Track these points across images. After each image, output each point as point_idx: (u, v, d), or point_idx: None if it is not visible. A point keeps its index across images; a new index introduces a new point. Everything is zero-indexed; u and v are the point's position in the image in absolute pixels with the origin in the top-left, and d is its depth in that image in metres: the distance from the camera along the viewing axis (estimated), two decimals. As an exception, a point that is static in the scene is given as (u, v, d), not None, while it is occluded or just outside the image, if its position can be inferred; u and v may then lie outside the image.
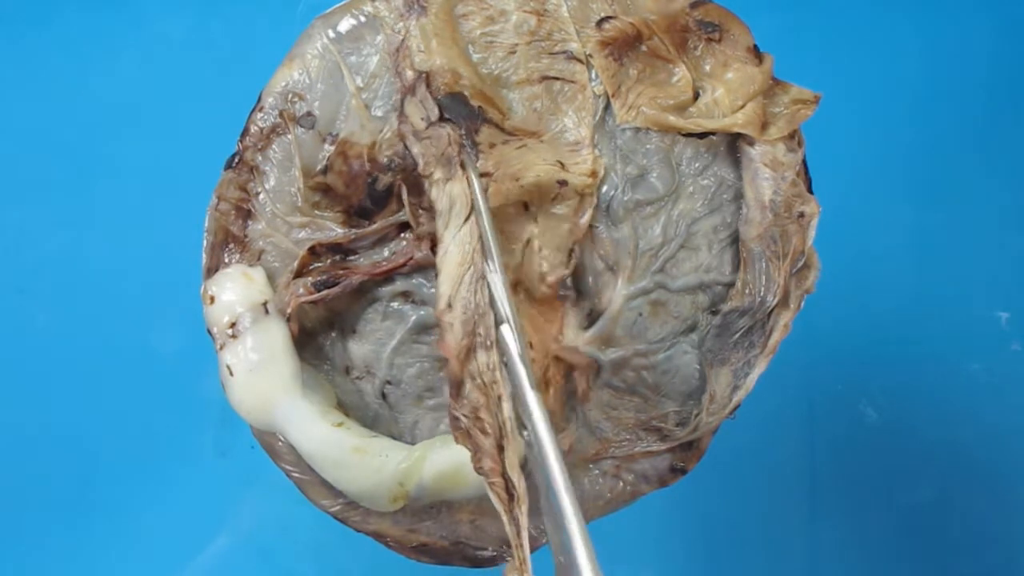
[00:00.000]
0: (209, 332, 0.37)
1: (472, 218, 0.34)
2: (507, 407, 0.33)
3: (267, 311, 0.38)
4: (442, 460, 0.37)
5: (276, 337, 0.37)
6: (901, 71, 0.68)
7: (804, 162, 0.38)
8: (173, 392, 0.57)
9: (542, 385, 0.37)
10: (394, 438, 0.39)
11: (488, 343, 0.33)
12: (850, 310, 0.62)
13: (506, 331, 0.34)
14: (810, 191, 0.38)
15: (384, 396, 0.39)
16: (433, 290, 0.38)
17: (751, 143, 0.38)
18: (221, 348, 0.37)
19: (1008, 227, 0.66)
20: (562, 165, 0.37)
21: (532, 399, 0.32)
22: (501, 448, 0.33)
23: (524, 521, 0.33)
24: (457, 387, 0.33)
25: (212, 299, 0.38)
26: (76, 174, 0.61)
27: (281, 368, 0.37)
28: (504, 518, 0.33)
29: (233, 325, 0.37)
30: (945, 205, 0.66)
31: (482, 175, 0.36)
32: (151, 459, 0.56)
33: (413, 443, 0.39)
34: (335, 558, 0.55)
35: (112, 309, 0.58)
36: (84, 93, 0.64)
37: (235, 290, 0.38)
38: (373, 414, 0.39)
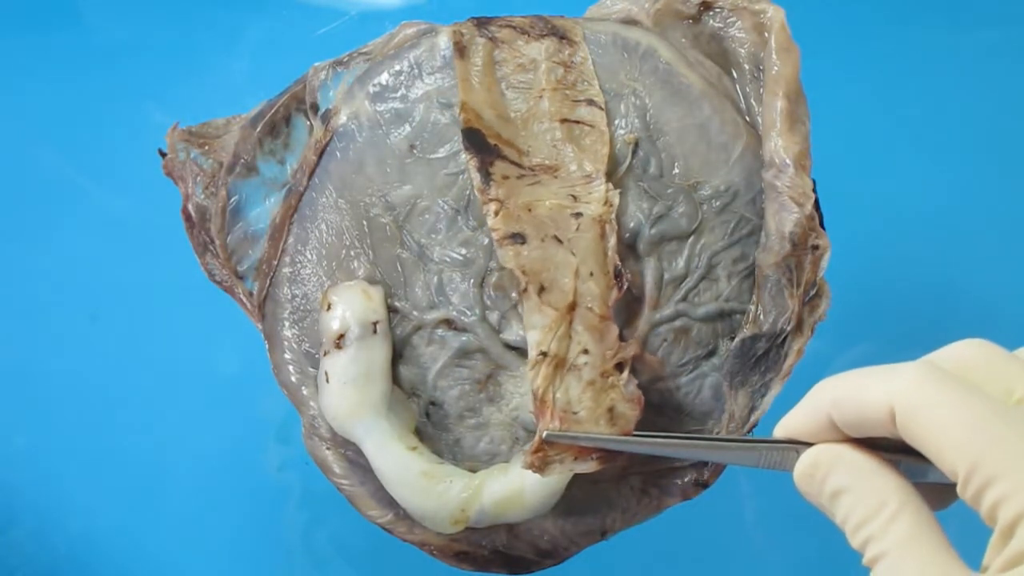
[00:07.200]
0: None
1: None
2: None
3: (375, 331, 0.39)
4: (499, 488, 0.38)
5: (377, 357, 0.39)
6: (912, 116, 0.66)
7: (816, 199, 0.40)
8: (235, 410, 0.59)
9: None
10: (437, 454, 0.40)
11: None
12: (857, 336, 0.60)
13: None
14: (822, 226, 0.40)
15: (428, 415, 0.41)
16: (473, 318, 0.40)
17: (777, 176, 0.39)
18: (325, 354, 0.39)
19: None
20: (574, 198, 0.39)
21: None
22: None
23: None
24: None
25: (329, 306, 0.39)
26: (141, 208, 0.62)
27: (374, 387, 0.39)
28: None
29: (341, 336, 0.38)
30: (958, 241, 0.64)
31: (492, 201, 0.38)
32: (215, 472, 0.58)
33: (455, 460, 0.41)
34: (386, 567, 0.57)
35: (178, 334, 0.60)
36: (151, 125, 0.64)
37: (351, 304, 0.39)
38: (418, 432, 0.41)
